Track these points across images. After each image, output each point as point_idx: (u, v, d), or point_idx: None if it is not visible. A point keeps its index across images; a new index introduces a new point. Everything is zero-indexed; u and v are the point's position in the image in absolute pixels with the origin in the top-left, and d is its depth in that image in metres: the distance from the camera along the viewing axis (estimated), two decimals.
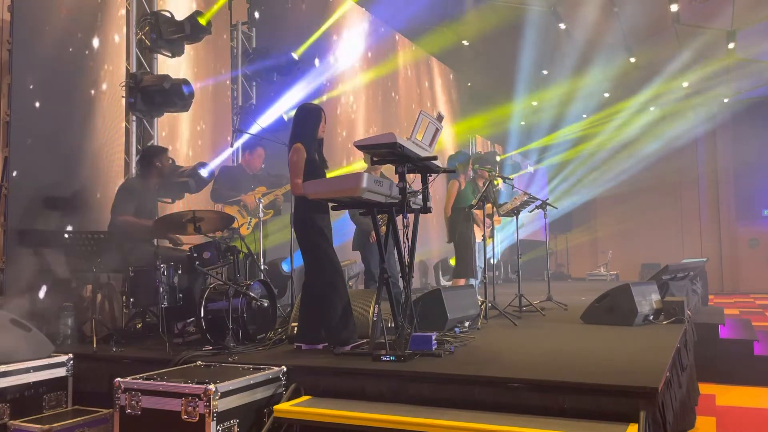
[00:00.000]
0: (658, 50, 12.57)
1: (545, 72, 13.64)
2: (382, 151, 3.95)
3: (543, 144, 17.40)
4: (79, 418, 3.73)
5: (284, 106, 7.67)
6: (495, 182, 7.10)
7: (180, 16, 6.37)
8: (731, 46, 12.39)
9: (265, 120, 7.25)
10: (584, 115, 16.50)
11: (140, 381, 3.32)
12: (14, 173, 4.89)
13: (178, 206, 6.31)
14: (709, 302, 11.04)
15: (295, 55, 7.84)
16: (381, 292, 4.11)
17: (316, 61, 8.81)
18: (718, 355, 6.15)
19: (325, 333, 4.23)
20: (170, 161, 5.77)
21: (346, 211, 5.87)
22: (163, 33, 6.25)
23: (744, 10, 10.87)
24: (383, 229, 4.39)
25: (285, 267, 6.59)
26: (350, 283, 7.57)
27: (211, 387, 3.13)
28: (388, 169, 4.76)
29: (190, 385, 3.19)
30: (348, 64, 9.83)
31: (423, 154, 4.07)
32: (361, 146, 3.96)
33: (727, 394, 5.67)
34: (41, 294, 4.91)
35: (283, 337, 4.60)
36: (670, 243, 16.87)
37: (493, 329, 5.29)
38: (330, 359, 3.84)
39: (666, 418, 3.11)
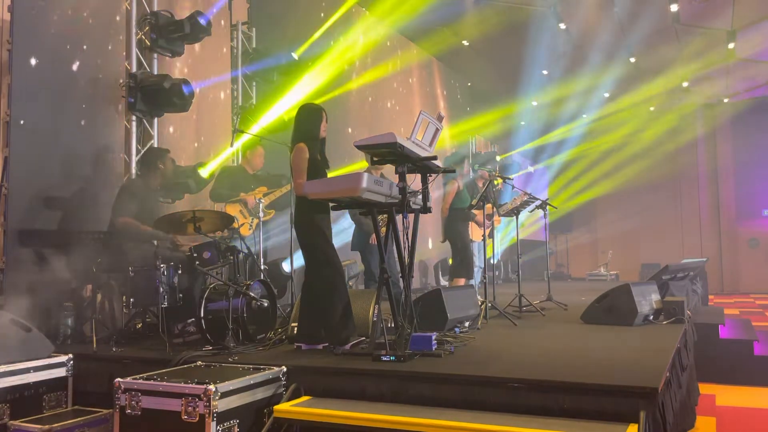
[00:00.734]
0: (658, 50, 12.57)
1: (545, 72, 13.64)
2: (383, 151, 3.96)
3: (543, 144, 17.40)
4: (79, 418, 3.73)
5: (284, 106, 7.66)
6: (495, 182, 7.10)
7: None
8: (731, 46, 12.38)
9: (265, 120, 7.26)
10: (584, 115, 16.49)
11: (140, 381, 3.31)
12: (14, 173, 4.89)
13: (179, 206, 6.31)
14: (709, 302, 11.04)
15: (295, 55, 7.84)
16: (381, 292, 4.11)
17: None
18: (718, 355, 6.15)
19: (325, 333, 4.23)
20: (172, 163, 5.77)
21: (346, 210, 5.87)
22: (163, 33, 6.25)
23: (744, 10, 10.86)
24: (383, 229, 4.39)
25: (286, 267, 6.58)
26: (350, 283, 7.57)
27: (211, 387, 3.13)
28: (388, 170, 4.76)
29: (190, 385, 3.19)
30: (347, 64, 9.83)
31: (423, 154, 4.07)
32: (362, 146, 3.96)
33: (727, 394, 5.67)
34: (41, 294, 4.91)
35: (283, 337, 4.60)
36: (670, 243, 16.86)
37: (493, 329, 5.29)
38: (330, 359, 3.84)
39: (666, 418, 3.12)
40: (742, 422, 4.88)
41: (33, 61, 5.12)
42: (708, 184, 17.37)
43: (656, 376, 3.16)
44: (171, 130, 6.73)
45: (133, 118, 6.16)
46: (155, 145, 6.24)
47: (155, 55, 6.47)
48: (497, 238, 7.94)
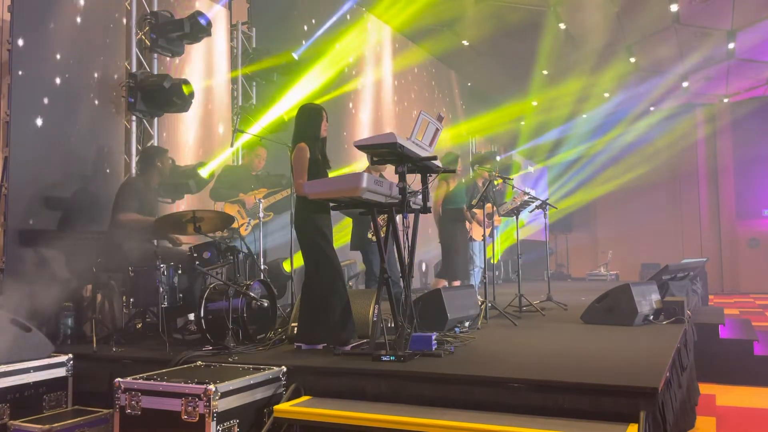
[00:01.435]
0: (658, 50, 12.57)
1: (545, 72, 13.64)
2: (382, 151, 3.95)
3: (543, 144, 17.40)
4: (79, 418, 3.73)
5: (284, 106, 7.67)
6: (495, 182, 7.10)
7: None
8: (731, 46, 12.38)
9: (265, 120, 7.26)
10: (584, 115, 16.50)
11: (140, 381, 3.31)
12: (14, 173, 4.89)
13: (179, 206, 6.31)
14: (709, 302, 11.05)
15: (296, 55, 7.84)
16: (381, 292, 4.11)
17: None
18: (718, 355, 6.15)
19: (324, 333, 4.23)
20: (170, 161, 5.77)
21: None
22: (162, 33, 6.25)
23: (744, 10, 10.86)
24: (383, 230, 4.39)
25: (287, 267, 6.58)
26: (350, 283, 7.57)
27: (211, 387, 3.13)
28: (388, 171, 4.76)
29: (190, 385, 3.19)
30: (347, 65, 9.83)
31: (423, 154, 4.07)
32: (362, 146, 3.96)
33: (727, 394, 5.67)
34: (41, 294, 4.91)
35: (283, 337, 4.60)
36: (670, 243, 16.87)
37: (493, 329, 5.29)
38: (330, 359, 3.84)
39: (666, 418, 3.12)
40: (742, 422, 4.88)
41: (33, 61, 5.12)
42: (708, 184, 17.37)
43: (656, 376, 3.15)
44: (171, 130, 6.73)
45: (133, 118, 6.16)
46: (157, 146, 6.23)
47: (155, 55, 6.47)
48: (497, 238, 7.94)
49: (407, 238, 4.14)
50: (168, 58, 6.58)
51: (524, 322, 5.80)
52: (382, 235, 4.30)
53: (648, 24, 11.36)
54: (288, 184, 6.23)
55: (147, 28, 6.32)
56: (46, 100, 5.20)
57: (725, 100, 16.49)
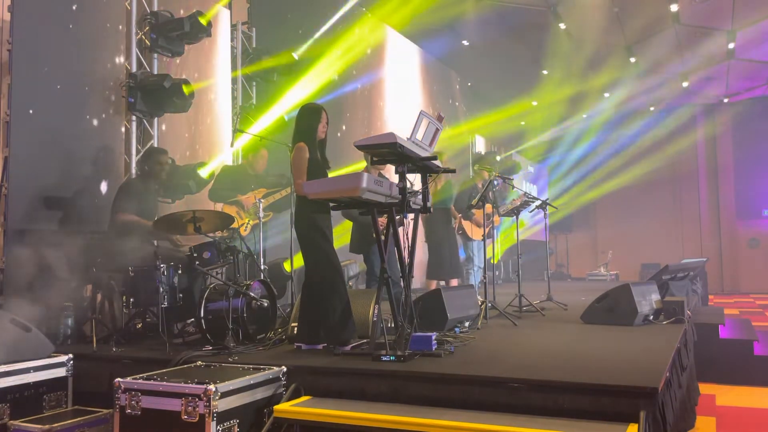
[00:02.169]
0: (658, 50, 12.56)
1: (545, 72, 13.64)
2: (382, 151, 3.95)
3: (543, 144, 17.40)
4: (79, 418, 3.73)
5: (284, 106, 7.67)
6: (494, 182, 7.09)
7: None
8: (731, 46, 12.38)
9: (265, 120, 7.26)
10: (584, 115, 16.50)
11: (140, 381, 3.31)
12: (14, 173, 4.89)
13: (179, 206, 6.31)
14: (709, 302, 11.04)
15: (296, 55, 7.84)
16: (381, 292, 4.11)
17: None
18: (718, 355, 6.15)
19: (324, 333, 4.23)
20: (170, 162, 5.77)
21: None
22: (162, 32, 6.26)
23: (744, 10, 10.86)
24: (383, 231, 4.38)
25: (287, 267, 6.58)
26: (350, 283, 7.56)
27: (211, 387, 3.13)
28: (388, 171, 4.76)
29: (190, 385, 3.19)
30: (347, 65, 9.82)
31: (423, 154, 4.07)
32: (361, 146, 3.96)
33: (727, 394, 5.67)
34: (41, 294, 4.91)
35: (283, 337, 4.60)
36: (670, 243, 16.86)
37: (493, 329, 5.29)
38: (330, 359, 3.84)
39: (666, 418, 3.12)
40: (742, 422, 4.88)
41: (33, 61, 5.12)
42: (708, 184, 17.37)
43: (656, 376, 3.16)
44: (171, 130, 6.73)
45: (133, 118, 6.16)
46: (155, 145, 6.24)
47: (155, 55, 6.47)
48: (497, 238, 7.94)
49: (407, 238, 4.14)
50: (168, 58, 6.58)
51: (524, 322, 5.80)
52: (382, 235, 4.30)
53: (648, 24, 11.35)
54: (288, 183, 6.22)
55: (147, 28, 6.32)
56: (46, 100, 5.20)
57: (725, 100, 16.49)
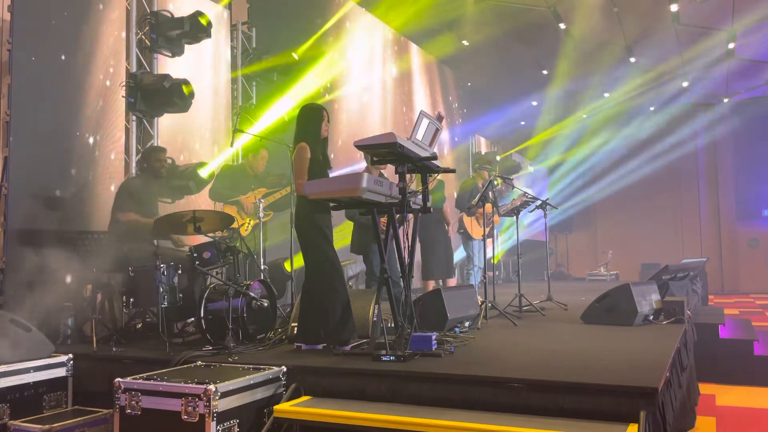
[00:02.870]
0: (658, 50, 12.56)
1: (545, 72, 13.64)
2: (382, 151, 3.95)
3: (543, 144, 17.39)
4: (79, 418, 3.73)
5: (284, 106, 7.66)
6: (495, 182, 7.10)
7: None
8: (731, 46, 12.38)
9: (265, 120, 7.25)
10: (584, 116, 16.50)
11: (140, 381, 3.31)
12: (14, 173, 4.89)
13: (179, 206, 6.31)
14: (709, 302, 11.05)
15: (296, 55, 7.83)
16: (381, 292, 4.11)
17: None
18: (718, 355, 6.15)
19: (324, 333, 4.23)
20: (169, 161, 5.77)
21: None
22: (162, 32, 6.25)
23: (744, 10, 10.86)
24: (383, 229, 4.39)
25: (288, 267, 6.57)
26: (350, 283, 7.56)
27: (211, 387, 3.13)
28: (389, 171, 4.76)
29: (190, 385, 3.19)
30: (347, 65, 9.83)
31: (423, 154, 4.07)
32: (361, 146, 3.96)
33: (727, 394, 5.67)
34: (41, 294, 4.91)
35: (283, 337, 4.60)
36: (670, 243, 16.86)
37: (493, 329, 5.29)
38: (330, 359, 3.84)
39: (666, 418, 3.12)
40: (742, 422, 4.88)
41: (33, 61, 5.12)
42: (708, 184, 17.36)
43: (656, 376, 3.15)
44: (171, 130, 6.72)
45: (133, 118, 6.16)
46: (155, 145, 6.24)
47: (155, 55, 6.47)
48: (496, 237, 7.94)
49: (407, 238, 4.14)
50: (168, 58, 6.58)
51: (524, 322, 5.80)
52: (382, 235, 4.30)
53: (648, 24, 11.36)
54: (288, 183, 6.22)
55: (147, 28, 6.32)
56: (46, 100, 5.20)
57: (725, 100, 16.48)
